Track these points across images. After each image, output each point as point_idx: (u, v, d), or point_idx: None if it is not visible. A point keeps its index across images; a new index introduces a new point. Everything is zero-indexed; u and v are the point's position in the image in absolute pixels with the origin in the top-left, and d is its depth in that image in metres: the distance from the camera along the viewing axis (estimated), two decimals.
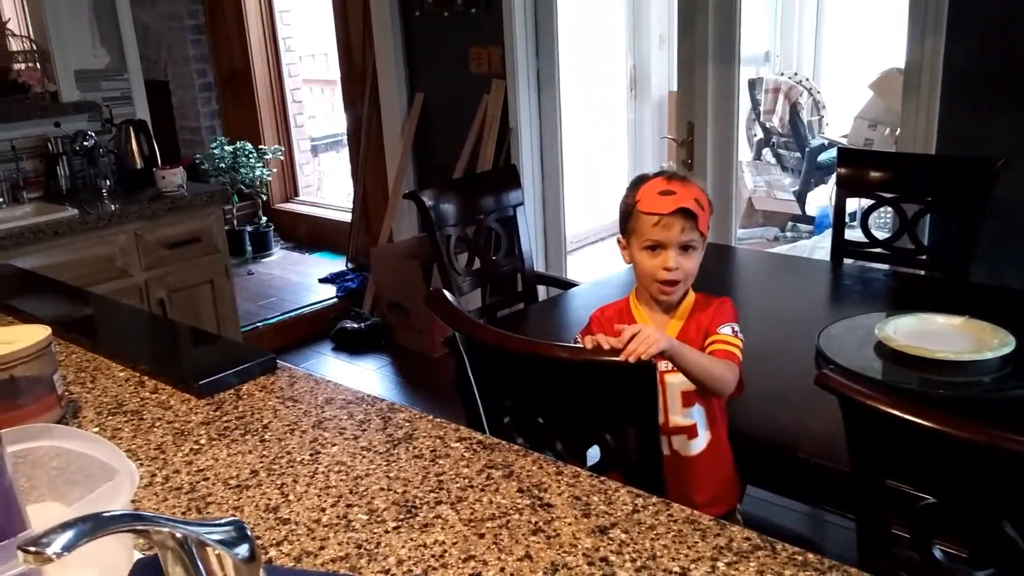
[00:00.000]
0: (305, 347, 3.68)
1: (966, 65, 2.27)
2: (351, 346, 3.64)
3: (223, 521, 0.52)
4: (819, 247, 4.06)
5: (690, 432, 1.32)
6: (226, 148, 4.53)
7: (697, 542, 0.73)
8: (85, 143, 2.93)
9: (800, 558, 0.70)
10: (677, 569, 0.70)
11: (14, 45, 3.06)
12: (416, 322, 3.51)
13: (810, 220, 4.59)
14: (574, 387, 1.24)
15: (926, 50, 2.31)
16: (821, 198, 4.64)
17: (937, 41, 2.29)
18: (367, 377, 3.41)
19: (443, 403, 2.85)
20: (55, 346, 1.09)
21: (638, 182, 1.32)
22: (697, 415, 1.32)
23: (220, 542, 0.50)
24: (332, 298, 4.03)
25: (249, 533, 0.53)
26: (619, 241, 1.36)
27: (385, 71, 3.67)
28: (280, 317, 3.84)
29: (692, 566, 0.70)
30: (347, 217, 4.37)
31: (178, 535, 0.49)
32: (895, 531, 1.04)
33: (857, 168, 2.27)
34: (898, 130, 2.61)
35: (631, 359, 1.10)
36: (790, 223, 4.70)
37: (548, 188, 3.41)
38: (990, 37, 2.22)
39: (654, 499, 0.80)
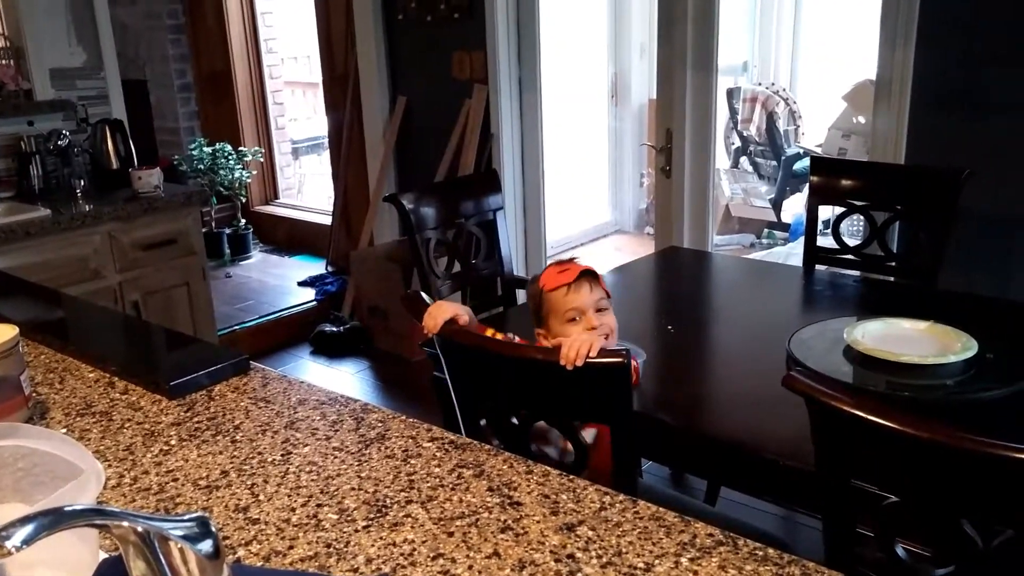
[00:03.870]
0: (283, 350, 3.66)
1: (935, 76, 2.32)
2: (330, 350, 3.63)
3: (186, 517, 0.52)
4: (794, 254, 4.11)
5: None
6: (205, 149, 4.50)
7: (662, 538, 0.75)
8: (59, 142, 2.89)
9: (761, 553, 0.71)
10: (642, 565, 0.71)
11: None
12: (396, 326, 3.50)
13: (785, 227, 4.65)
14: (549, 389, 1.25)
15: (896, 61, 2.36)
16: (797, 206, 4.70)
17: (907, 52, 2.33)
18: (345, 380, 3.40)
19: (421, 407, 2.85)
20: (23, 347, 1.08)
21: (534, 280, 1.46)
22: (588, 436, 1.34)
23: (183, 537, 0.50)
24: (311, 301, 4.01)
25: (213, 529, 0.53)
26: (538, 333, 1.45)
27: (367, 74, 3.67)
28: (258, 320, 3.81)
29: (656, 562, 0.71)
30: (327, 220, 4.35)
31: (140, 529, 0.49)
32: (860, 530, 1.06)
33: (829, 177, 2.31)
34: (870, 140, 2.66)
35: (570, 366, 1.15)
36: (766, 230, 4.76)
37: (529, 193, 3.43)
38: (959, 49, 2.27)
39: (621, 497, 0.81)
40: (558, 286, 1.39)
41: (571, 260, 1.46)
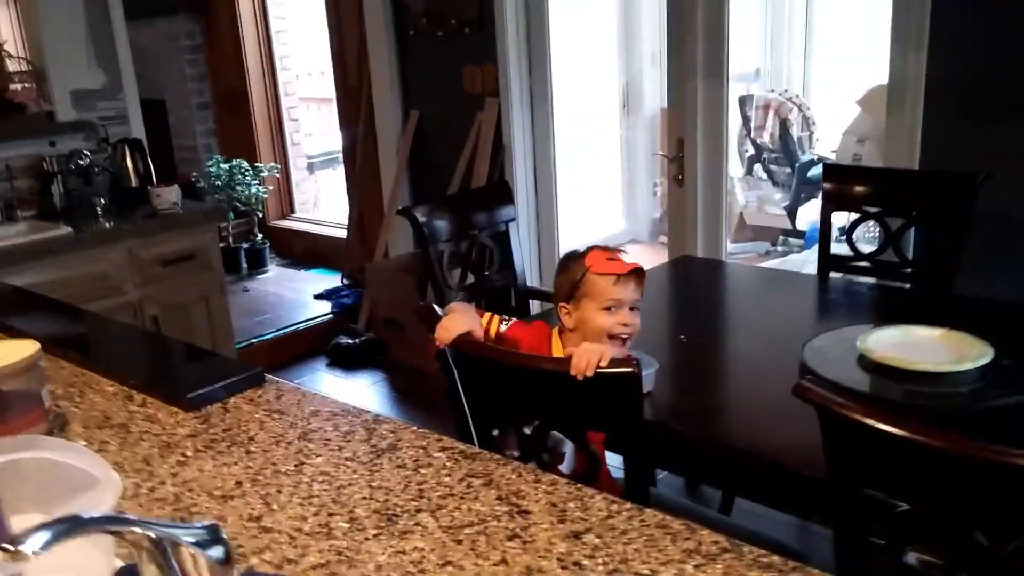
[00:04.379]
0: (300, 363, 3.69)
1: (949, 80, 2.30)
2: (346, 362, 3.66)
3: (198, 524, 0.54)
4: (809, 261, 4.08)
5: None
6: (222, 166, 4.57)
7: (667, 546, 0.75)
8: (80, 162, 2.96)
9: (765, 560, 0.71)
10: (647, 572, 0.72)
11: (10, 66, 3.10)
12: (411, 337, 3.52)
13: (800, 235, 4.62)
14: (559, 399, 1.26)
15: (909, 65, 2.35)
16: (812, 213, 4.67)
17: (919, 56, 2.32)
18: (362, 393, 3.42)
19: (437, 418, 2.85)
20: (44, 361, 1.11)
21: (577, 255, 1.44)
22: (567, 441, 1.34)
23: (194, 544, 0.52)
24: (327, 314, 4.04)
25: (224, 536, 0.54)
26: (563, 307, 1.44)
27: (380, 89, 3.71)
28: (275, 333, 3.85)
29: (662, 568, 0.72)
30: (343, 234, 4.40)
31: (152, 536, 0.50)
32: (872, 539, 1.05)
33: (842, 183, 2.30)
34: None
35: (580, 376, 1.16)
36: (781, 237, 4.73)
37: (542, 204, 3.44)
38: (971, 51, 2.26)
39: (628, 505, 0.82)
40: (608, 272, 1.39)
41: (617, 250, 1.46)
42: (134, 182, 3.06)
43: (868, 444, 1.00)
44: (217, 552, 0.53)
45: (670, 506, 1.58)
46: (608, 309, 1.39)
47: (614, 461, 1.37)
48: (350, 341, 3.70)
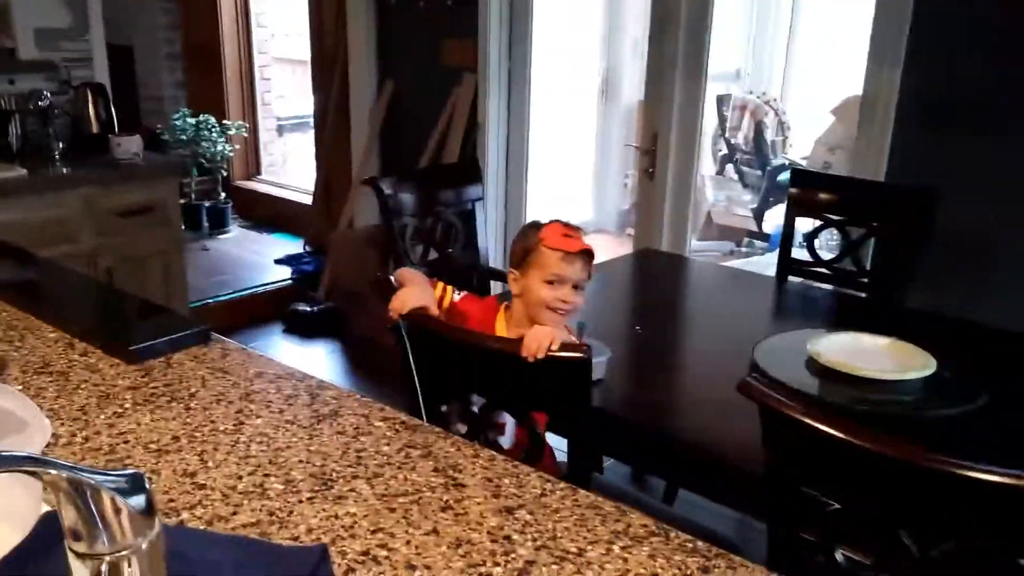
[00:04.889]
0: (255, 327, 3.64)
1: (921, 96, 2.35)
2: (303, 329, 3.62)
3: (120, 472, 0.53)
4: (771, 264, 4.14)
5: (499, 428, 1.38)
6: (189, 120, 4.46)
7: (597, 526, 0.76)
8: (40, 103, 2.86)
9: (690, 545, 0.73)
10: (574, 550, 0.73)
11: None
12: (370, 309, 3.50)
13: (766, 237, 4.69)
14: (509, 379, 1.27)
15: (883, 79, 2.39)
16: (779, 216, 4.73)
17: (895, 70, 2.36)
18: (316, 361, 3.39)
19: (390, 391, 2.85)
20: None
21: (537, 225, 1.47)
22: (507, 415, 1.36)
23: (114, 490, 0.51)
24: (287, 280, 3.99)
25: (147, 486, 0.53)
26: (511, 273, 1.47)
27: (356, 56, 3.65)
28: (232, 295, 3.79)
29: (589, 547, 0.73)
30: (308, 199, 4.33)
31: (71, 478, 0.49)
32: (803, 535, 1.08)
33: (808, 189, 2.34)
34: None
35: (531, 358, 1.18)
36: (746, 239, 4.80)
37: (511, 185, 3.43)
38: (945, 70, 2.30)
39: (562, 484, 0.83)
40: (557, 248, 1.42)
41: (578, 228, 1.49)
42: (95, 129, 2.97)
43: (805, 443, 1.02)
44: (138, 501, 0.52)
45: (612, 492, 1.61)
46: (551, 283, 1.42)
47: (560, 444, 1.38)
48: (308, 309, 3.66)
